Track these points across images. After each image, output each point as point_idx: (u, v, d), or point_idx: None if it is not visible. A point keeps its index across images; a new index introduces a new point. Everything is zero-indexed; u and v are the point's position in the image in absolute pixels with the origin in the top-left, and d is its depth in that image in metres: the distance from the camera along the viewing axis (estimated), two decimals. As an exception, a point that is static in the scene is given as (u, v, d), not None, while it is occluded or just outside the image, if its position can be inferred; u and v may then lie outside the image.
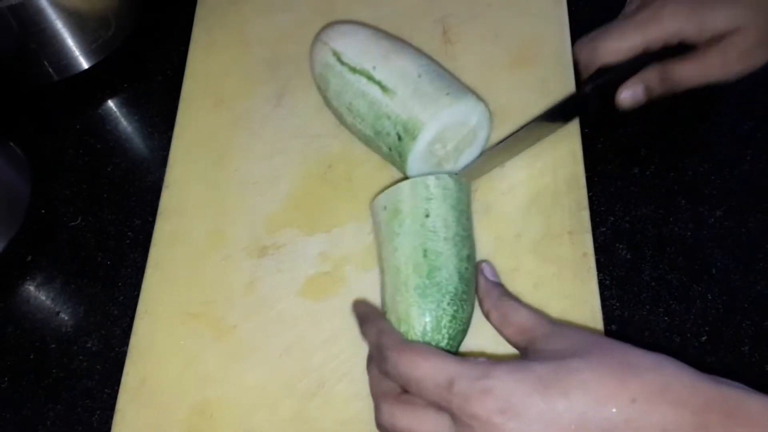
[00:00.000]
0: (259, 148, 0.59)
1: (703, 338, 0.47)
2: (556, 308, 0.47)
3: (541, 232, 0.50)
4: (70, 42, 0.63)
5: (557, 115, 0.53)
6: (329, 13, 0.65)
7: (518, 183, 0.53)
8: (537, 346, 0.39)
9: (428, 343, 0.42)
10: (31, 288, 0.57)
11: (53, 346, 0.54)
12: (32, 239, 0.59)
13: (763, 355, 0.46)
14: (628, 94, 0.51)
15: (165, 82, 0.66)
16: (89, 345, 0.54)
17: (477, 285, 0.46)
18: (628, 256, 0.50)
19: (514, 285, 0.48)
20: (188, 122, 0.61)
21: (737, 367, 0.46)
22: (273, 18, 0.66)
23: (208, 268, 0.54)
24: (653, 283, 0.49)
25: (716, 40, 0.48)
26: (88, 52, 0.65)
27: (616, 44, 0.50)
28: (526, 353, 0.40)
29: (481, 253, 0.50)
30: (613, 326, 0.48)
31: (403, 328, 0.43)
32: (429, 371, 0.37)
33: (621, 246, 0.51)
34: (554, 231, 0.50)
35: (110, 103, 0.66)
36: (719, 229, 0.50)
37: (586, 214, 0.51)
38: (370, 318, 0.44)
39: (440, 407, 0.36)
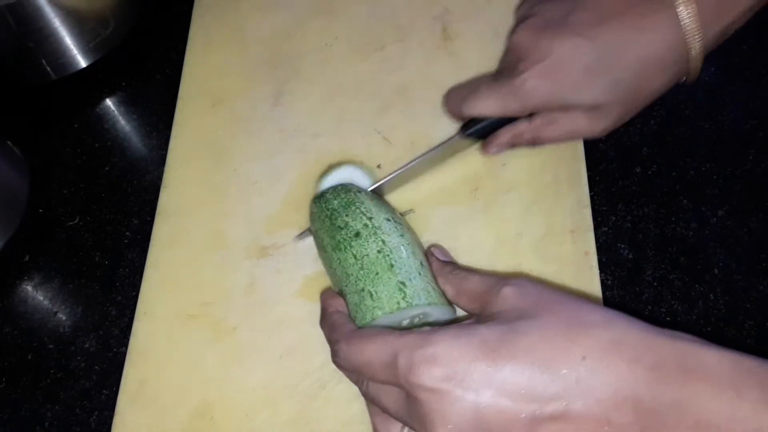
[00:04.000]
0: (258, 148, 0.58)
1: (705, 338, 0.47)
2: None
3: (543, 231, 0.50)
4: (68, 40, 0.63)
5: (446, 153, 0.53)
6: (328, 11, 0.65)
7: (519, 182, 0.52)
8: (488, 310, 0.38)
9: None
10: (29, 288, 0.57)
11: (51, 346, 0.54)
12: (30, 239, 0.59)
13: (765, 355, 0.46)
14: (495, 150, 0.52)
15: (163, 80, 0.66)
16: (87, 345, 0.53)
17: (431, 265, 0.45)
18: (630, 256, 0.50)
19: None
20: (186, 122, 0.61)
21: (740, 367, 0.46)
22: (271, 16, 0.66)
23: (208, 268, 0.53)
24: (655, 283, 0.49)
25: (584, 109, 0.48)
26: (86, 51, 0.65)
27: (476, 110, 0.50)
28: (478, 320, 0.39)
29: (482, 252, 0.50)
30: (614, 326, 0.48)
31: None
32: (374, 352, 0.36)
33: (622, 245, 0.51)
34: (556, 230, 0.50)
35: (108, 102, 0.66)
36: (721, 228, 0.50)
37: (587, 213, 0.50)
38: (325, 314, 0.44)
39: (392, 384, 0.36)
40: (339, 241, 0.45)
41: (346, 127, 0.58)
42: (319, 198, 0.49)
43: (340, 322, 0.42)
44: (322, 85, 0.61)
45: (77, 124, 0.65)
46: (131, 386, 0.50)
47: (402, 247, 0.45)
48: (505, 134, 0.51)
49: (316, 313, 0.50)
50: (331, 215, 0.47)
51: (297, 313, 0.50)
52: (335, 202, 0.48)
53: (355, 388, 0.46)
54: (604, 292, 0.48)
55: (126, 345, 0.51)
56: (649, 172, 0.53)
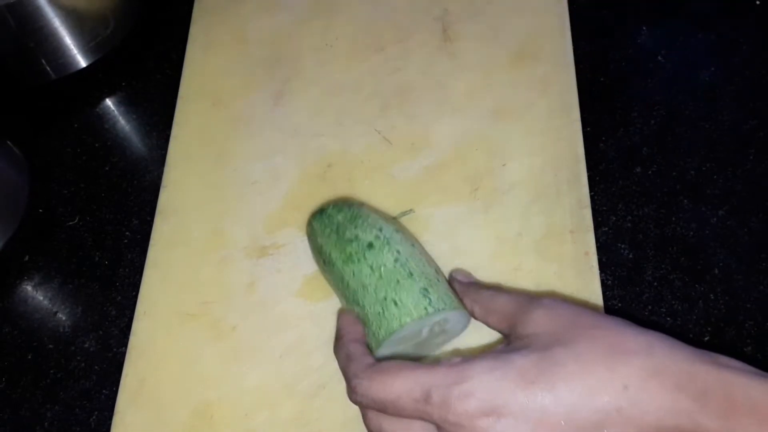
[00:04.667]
0: (258, 148, 0.58)
1: (706, 338, 0.47)
2: (557, 308, 0.47)
3: (543, 231, 0.50)
4: (68, 40, 0.63)
5: None
6: (328, 11, 0.65)
7: (519, 182, 0.52)
8: (519, 331, 0.37)
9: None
10: (29, 288, 0.57)
11: (51, 346, 0.54)
12: (30, 238, 0.59)
13: (765, 356, 0.46)
14: None
15: (163, 80, 0.66)
16: (87, 345, 0.53)
17: (456, 288, 0.45)
18: (630, 256, 0.50)
19: (515, 284, 0.48)
20: (186, 122, 0.61)
21: (740, 367, 0.45)
22: (271, 16, 0.66)
23: (208, 268, 0.53)
24: (655, 283, 0.49)
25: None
26: (86, 51, 0.65)
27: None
28: (508, 340, 0.38)
29: (483, 252, 0.50)
30: (615, 326, 0.48)
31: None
32: (402, 389, 0.35)
33: (623, 246, 0.50)
34: (556, 230, 0.50)
35: (108, 102, 0.66)
36: (722, 228, 0.50)
37: (588, 213, 0.50)
38: (341, 339, 0.43)
39: (423, 419, 0.35)
40: (350, 254, 0.44)
41: (346, 127, 0.58)
42: (321, 213, 0.49)
43: (358, 353, 0.40)
44: (322, 85, 0.61)
45: (77, 124, 0.65)
46: (131, 386, 0.50)
47: (416, 256, 0.45)
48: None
49: (316, 313, 0.50)
50: (337, 229, 0.46)
51: (297, 313, 0.50)
52: (339, 216, 0.47)
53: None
54: (604, 292, 0.48)
55: (126, 345, 0.51)
56: (650, 172, 0.53)
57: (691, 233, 0.50)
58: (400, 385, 0.35)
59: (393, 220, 0.49)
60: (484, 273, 0.49)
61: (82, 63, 0.65)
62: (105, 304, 0.55)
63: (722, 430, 0.31)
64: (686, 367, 0.32)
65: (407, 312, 0.41)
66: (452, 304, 0.42)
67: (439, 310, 0.41)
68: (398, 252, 0.44)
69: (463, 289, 0.44)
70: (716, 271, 0.49)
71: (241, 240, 0.54)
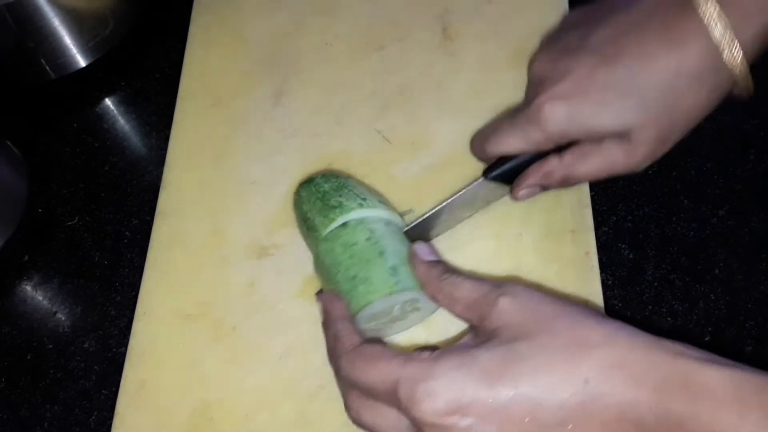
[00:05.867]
0: (258, 148, 0.58)
1: (706, 339, 0.47)
2: (558, 308, 0.47)
3: (543, 231, 0.50)
4: (68, 40, 0.63)
5: (467, 201, 0.49)
6: (328, 11, 0.65)
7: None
8: (485, 324, 0.37)
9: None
10: (28, 288, 0.57)
11: (50, 346, 0.54)
12: (29, 239, 0.59)
13: (766, 356, 0.46)
14: (525, 193, 0.48)
15: (163, 80, 0.65)
16: (86, 345, 0.53)
17: (416, 269, 0.43)
18: (631, 256, 0.50)
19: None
20: (186, 121, 0.61)
21: (740, 367, 0.45)
22: (271, 16, 0.66)
23: (207, 268, 0.53)
24: (656, 283, 0.49)
25: (615, 136, 0.43)
26: (85, 50, 0.65)
27: (500, 149, 0.47)
28: (476, 331, 0.38)
29: (483, 251, 0.50)
30: (615, 326, 0.48)
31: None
32: (377, 377, 0.36)
33: (623, 246, 0.50)
34: (556, 230, 0.50)
35: (108, 102, 0.66)
36: (722, 228, 0.50)
37: (588, 212, 0.50)
38: (329, 319, 0.43)
39: (394, 407, 0.36)
40: (330, 220, 0.46)
41: (346, 127, 0.58)
42: (309, 182, 0.50)
43: (345, 333, 0.41)
44: (322, 85, 0.60)
45: (77, 123, 0.65)
46: (131, 386, 0.50)
47: (391, 234, 0.45)
48: (534, 173, 0.46)
49: (316, 314, 0.49)
50: (323, 197, 0.47)
51: (297, 313, 0.50)
52: (326, 185, 0.48)
53: (355, 389, 0.46)
54: (604, 292, 0.48)
55: (125, 345, 0.51)
56: (650, 172, 0.53)
57: (692, 233, 0.50)
58: (375, 374, 0.36)
59: (378, 196, 0.49)
60: (485, 273, 0.49)
61: (82, 63, 0.65)
62: (105, 304, 0.55)
63: (681, 418, 0.31)
64: (645, 358, 0.33)
65: (374, 290, 0.42)
66: (420, 285, 0.43)
67: (406, 288, 0.42)
68: (371, 231, 0.45)
69: (425, 272, 0.42)
70: (716, 271, 0.49)
71: (241, 240, 0.54)
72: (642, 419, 0.32)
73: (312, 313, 0.50)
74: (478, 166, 0.53)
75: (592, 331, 0.34)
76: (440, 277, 0.41)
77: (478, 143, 0.49)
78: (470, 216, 0.51)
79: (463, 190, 0.48)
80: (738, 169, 0.52)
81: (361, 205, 0.46)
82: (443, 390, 0.34)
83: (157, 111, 0.64)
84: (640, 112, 0.42)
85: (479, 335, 0.38)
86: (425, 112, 0.57)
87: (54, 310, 0.55)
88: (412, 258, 0.44)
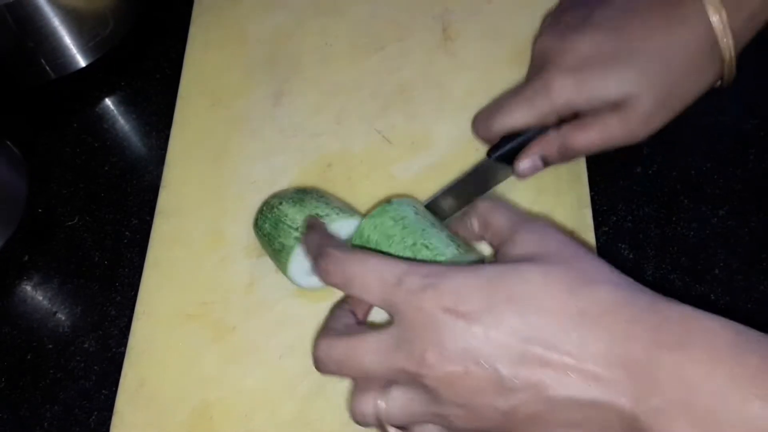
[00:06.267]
0: (258, 148, 0.58)
1: (706, 338, 0.47)
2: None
3: (543, 232, 0.50)
4: (68, 40, 0.63)
5: (471, 182, 0.50)
6: (328, 11, 0.65)
7: (519, 182, 0.52)
8: (504, 250, 0.38)
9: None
10: (28, 288, 0.57)
11: (50, 346, 0.54)
12: (29, 239, 0.59)
13: (766, 356, 0.46)
14: (527, 166, 0.48)
15: (163, 80, 0.65)
16: (86, 345, 0.53)
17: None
18: (630, 256, 0.50)
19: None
20: (186, 121, 0.61)
21: (740, 367, 0.45)
22: (271, 16, 0.66)
23: (207, 268, 0.53)
24: (656, 283, 0.49)
25: (613, 107, 0.45)
26: (85, 50, 0.65)
27: (507, 122, 0.48)
28: (496, 258, 0.40)
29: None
30: (615, 326, 0.48)
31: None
32: (376, 268, 0.36)
33: (623, 245, 0.50)
34: (556, 230, 0.50)
35: (108, 102, 0.66)
36: (722, 228, 0.50)
37: (588, 213, 0.50)
38: (313, 227, 0.44)
39: (383, 304, 0.36)
40: (284, 264, 0.47)
41: (346, 127, 0.58)
42: (255, 223, 0.50)
43: (334, 239, 0.42)
44: (322, 85, 0.61)
45: (77, 123, 0.65)
46: (130, 386, 0.50)
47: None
48: (533, 148, 0.48)
49: (316, 313, 0.50)
50: (269, 241, 0.48)
51: (297, 313, 0.50)
52: (267, 225, 0.49)
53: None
54: (604, 292, 0.48)
55: (125, 345, 0.51)
56: (650, 172, 0.53)
57: (692, 233, 0.50)
58: (375, 265, 0.37)
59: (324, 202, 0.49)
60: (485, 273, 0.49)
61: (82, 63, 0.65)
62: (104, 304, 0.55)
63: (677, 360, 0.31)
64: (648, 303, 0.33)
65: (440, 254, 0.42)
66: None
67: (468, 253, 0.43)
68: (414, 207, 0.46)
69: (474, 206, 0.43)
70: (716, 271, 0.49)
71: (241, 240, 0.54)
72: (632, 356, 0.31)
73: (312, 312, 0.50)
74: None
75: (603, 273, 0.35)
76: (481, 203, 0.42)
77: (481, 121, 0.50)
78: (477, 197, 0.51)
79: (469, 171, 0.50)
80: (738, 169, 0.52)
81: (297, 239, 0.46)
82: (446, 286, 0.34)
83: (157, 111, 0.64)
84: (640, 81, 0.44)
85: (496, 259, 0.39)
86: (425, 112, 0.57)
87: (54, 310, 0.55)
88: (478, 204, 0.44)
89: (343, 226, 0.47)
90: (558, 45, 0.47)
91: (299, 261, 0.47)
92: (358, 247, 0.45)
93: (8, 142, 0.63)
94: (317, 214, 0.47)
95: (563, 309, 0.33)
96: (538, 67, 0.48)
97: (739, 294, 0.48)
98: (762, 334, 0.32)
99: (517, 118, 0.48)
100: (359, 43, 0.62)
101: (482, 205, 0.42)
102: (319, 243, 0.41)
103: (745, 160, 0.52)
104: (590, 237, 0.49)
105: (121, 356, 0.51)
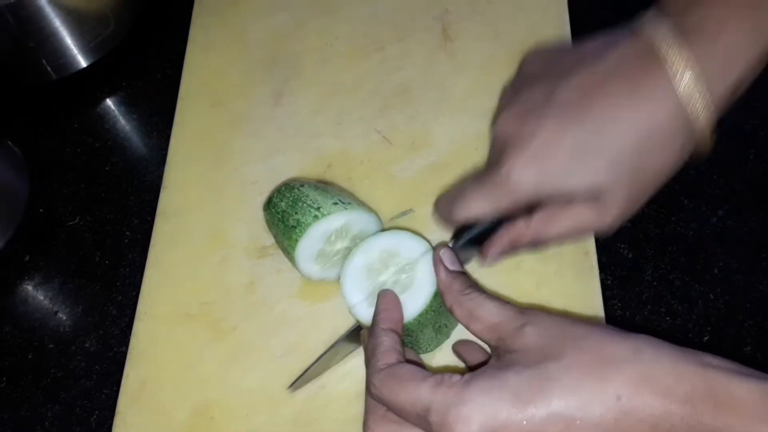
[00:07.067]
0: (258, 148, 0.58)
1: (705, 338, 0.47)
2: (557, 308, 0.47)
3: (543, 232, 0.50)
4: (69, 40, 0.63)
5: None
6: (328, 11, 0.65)
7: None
8: (507, 344, 0.37)
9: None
10: (29, 288, 0.57)
11: (51, 346, 0.54)
12: (30, 239, 0.59)
13: (765, 355, 0.46)
14: (494, 254, 0.45)
15: (164, 80, 0.66)
16: (87, 345, 0.53)
17: (437, 274, 0.43)
18: (630, 256, 0.50)
19: (515, 283, 0.48)
20: (186, 122, 0.61)
21: (740, 367, 0.45)
22: (271, 16, 0.66)
23: (208, 268, 0.53)
24: (655, 283, 0.49)
25: (584, 197, 0.41)
26: (86, 51, 0.65)
27: (467, 213, 0.44)
28: (497, 352, 0.38)
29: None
30: (614, 326, 0.48)
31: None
32: (407, 399, 0.36)
33: (623, 245, 0.50)
34: (555, 230, 0.50)
35: (109, 102, 0.66)
36: (721, 228, 0.50)
37: (587, 214, 0.50)
38: (376, 325, 0.43)
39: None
40: (294, 241, 0.46)
41: (346, 127, 0.58)
42: (268, 203, 0.50)
43: (383, 348, 0.40)
44: (322, 85, 0.61)
45: (78, 123, 0.65)
46: (132, 386, 0.50)
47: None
48: (502, 237, 0.44)
49: (316, 313, 0.50)
50: (282, 218, 0.48)
51: (297, 313, 0.50)
52: (283, 203, 0.48)
53: (355, 389, 0.46)
54: (604, 292, 0.48)
55: (126, 345, 0.51)
56: (649, 172, 0.53)
57: (691, 233, 0.50)
58: (405, 397, 0.36)
59: (335, 191, 0.49)
60: (484, 272, 0.49)
61: (83, 63, 0.65)
62: (105, 304, 0.55)
63: (713, 429, 0.31)
64: (673, 370, 0.33)
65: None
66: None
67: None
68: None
69: (447, 284, 0.42)
70: (716, 270, 0.49)
71: (241, 240, 0.54)
72: (675, 429, 0.32)
73: (312, 312, 0.50)
74: (479, 166, 0.53)
75: (618, 347, 0.34)
76: (462, 291, 0.41)
77: (444, 208, 0.47)
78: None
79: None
80: (738, 169, 0.52)
81: (316, 217, 0.46)
82: (476, 414, 0.33)
83: (157, 111, 0.64)
84: (611, 173, 0.40)
85: (500, 356, 0.37)
86: (425, 112, 0.57)
87: (55, 309, 0.56)
88: (436, 263, 0.43)
89: (363, 219, 0.47)
90: (518, 129, 0.42)
91: (311, 241, 0.46)
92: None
93: (9, 142, 0.63)
94: (340, 201, 0.47)
95: (600, 399, 0.32)
96: (499, 153, 0.43)
97: (738, 293, 0.48)
98: None
99: (476, 210, 0.44)
100: (359, 43, 0.62)
101: (468, 297, 0.40)
102: (367, 362, 0.40)
103: (745, 160, 0.53)
104: (590, 237, 0.49)
105: (122, 356, 0.51)
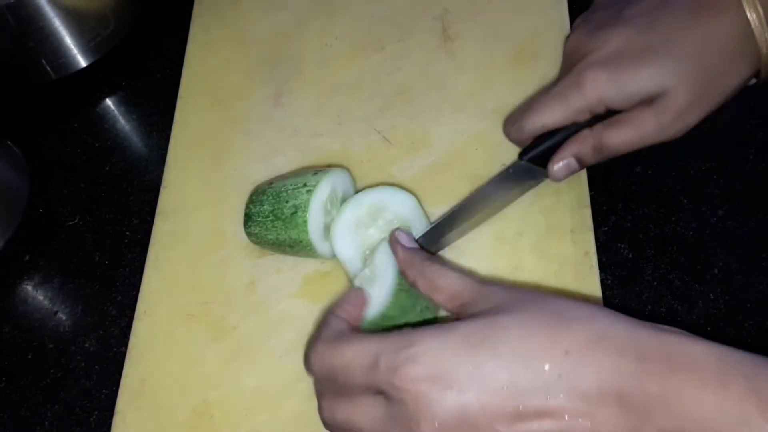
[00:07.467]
0: (258, 148, 0.58)
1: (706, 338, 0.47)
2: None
3: (543, 231, 0.50)
4: (68, 40, 0.63)
5: (504, 186, 0.50)
6: (328, 11, 0.65)
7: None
8: (468, 310, 0.38)
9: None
10: (29, 288, 0.57)
11: (51, 346, 0.54)
12: (30, 238, 0.59)
13: (765, 355, 0.46)
14: (561, 168, 0.47)
15: (164, 80, 0.66)
16: (87, 345, 0.53)
17: (395, 254, 0.44)
18: (630, 256, 0.50)
19: (515, 284, 0.48)
20: (186, 122, 0.61)
21: (740, 367, 0.45)
22: (271, 16, 0.66)
23: (208, 268, 0.53)
24: (655, 283, 0.49)
25: (646, 102, 0.44)
26: (86, 50, 0.65)
27: (540, 120, 0.47)
28: (458, 318, 0.38)
29: (482, 251, 0.50)
30: (614, 326, 0.48)
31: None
32: (353, 355, 0.36)
33: (622, 245, 0.50)
34: (555, 229, 0.50)
35: (108, 102, 0.66)
36: (721, 228, 0.50)
37: (587, 212, 0.50)
38: (325, 314, 0.44)
39: (372, 390, 0.36)
40: (303, 227, 0.48)
41: (346, 127, 0.58)
42: (249, 218, 0.50)
43: (331, 326, 0.41)
44: (322, 85, 0.61)
45: (77, 123, 0.65)
46: (131, 386, 0.50)
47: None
48: (568, 147, 0.47)
49: (316, 313, 0.50)
50: (276, 216, 0.49)
51: (297, 313, 0.50)
52: (266, 206, 0.49)
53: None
54: (604, 292, 0.48)
55: (126, 344, 0.51)
56: (649, 172, 0.53)
57: (691, 233, 0.50)
58: (352, 352, 0.37)
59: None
60: (484, 273, 0.49)
61: (83, 63, 0.65)
62: (105, 303, 0.55)
63: (665, 389, 0.31)
64: (627, 333, 0.33)
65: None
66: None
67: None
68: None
69: (407, 258, 0.43)
70: (716, 270, 0.49)
71: (241, 240, 0.54)
72: (623, 390, 0.32)
73: (312, 312, 0.50)
74: (479, 166, 0.53)
75: (574, 308, 0.35)
76: (422, 263, 0.42)
77: (513, 122, 0.50)
78: (508, 203, 0.51)
79: (499, 174, 0.49)
80: (738, 169, 0.52)
81: (309, 191, 0.47)
82: (423, 356, 0.34)
83: (157, 111, 0.64)
84: (675, 74, 0.43)
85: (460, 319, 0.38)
86: (425, 112, 0.57)
87: (55, 309, 0.56)
88: (393, 244, 0.45)
89: (343, 179, 0.50)
90: (589, 41, 0.46)
91: (317, 216, 0.47)
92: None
93: (9, 142, 0.63)
94: (314, 172, 0.49)
95: (548, 352, 0.33)
96: (570, 65, 0.47)
97: (738, 294, 0.48)
98: (745, 353, 0.32)
99: (549, 116, 0.46)
100: (359, 43, 0.62)
101: (429, 268, 0.41)
102: (317, 332, 0.41)
103: (745, 160, 0.53)
104: (590, 237, 0.49)
105: (121, 356, 0.51)
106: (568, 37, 0.50)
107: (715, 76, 0.44)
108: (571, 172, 0.48)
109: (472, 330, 0.34)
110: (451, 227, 0.49)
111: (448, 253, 0.50)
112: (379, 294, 0.44)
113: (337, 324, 0.41)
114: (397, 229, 0.47)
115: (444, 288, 0.40)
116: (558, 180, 0.48)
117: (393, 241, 0.45)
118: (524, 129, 0.48)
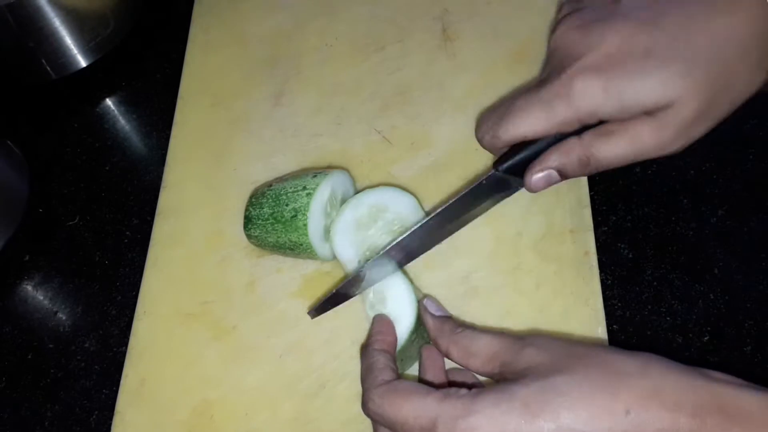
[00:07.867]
0: (258, 148, 0.58)
1: (705, 338, 0.47)
2: (557, 307, 0.47)
3: (543, 231, 0.50)
4: (68, 40, 0.63)
5: (477, 197, 0.45)
6: (328, 11, 0.65)
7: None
8: (512, 368, 0.36)
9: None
10: (29, 287, 0.57)
11: (51, 346, 0.54)
12: (30, 238, 0.59)
13: (765, 355, 0.46)
14: (539, 179, 0.41)
15: (163, 80, 0.66)
16: (87, 345, 0.53)
17: (426, 323, 0.43)
18: (630, 256, 0.50)
19: (515, 284, 0.48)
20: (186, 122, 0.61)
21: (740, 367, 0.45)
22: (271, 16, 0.66)
23: (208, 268, 0.53)
24: (655, 283, 0.49)
25: (647, 113, 0.38)
26: (86, 51, 0.65)
27: (518, 130, 0.41)
28: (503, 379, 0.36)
29: (482, 251, 0.50)
30: (614, 326, 0.48)
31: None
32: (411, 413, 0.35)
33: (622, 245, 0.50)
34: (556, 229, 0.50)
35: (108, 102, 0.66)
36: (721, 228, 0.50)
37: (587, 212, 0.50)
38: (369, 345, 0.42)
39: None
40: (302, 229, 0.47)
41: (346, 127, 0.58)
42: (249, 222, 0.50)
43: (379, 366, 0.40)
44: (322, 85, 0.61)
45: (77, 123, 0.65)
46: (131, 385, 0.50)
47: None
48: (550, 155, 0.40)
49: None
50: (276, 219, 0.48)
51: (297, 313, 0.50)
52: (266, 208, 0.49)
53: (355, 388, 0.46)
54: (604, 292, 0.48)
55: (126, 344, 0.51)
56: (649, 172, 0.53)
57: (691, 233, 0.50)
58: (409, 410, 0.35)
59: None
60: (484, 273, 0.49)
61: (82, 63, 0.65)
62: (105, 303, 0.55)
63: None
64: (680, 384, 0.33)
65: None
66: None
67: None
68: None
69: (437, 328, 0.41)
70: (716, 270, 0.49)
71: (241, 240, 0.54)
72: None
73: (312, 312, 0.50)
74: (479, 166, 0.53)
75: (625, 362, 0.34)
76: (454, 331, 0.40)
77: (488, 128, 0.43)
78: (479, 215, 0.49)
79: (471, 185, 0.43)
80: (738, 169, 0.52)
81: (309, 195, 0.47)
82: (485, 425, 0.33)
83: (157, 111, 0.64)
84: (683, 83, 0.36)
85: (509, 380, 0.36)
86: (425, 112, 0.57)
87: (55, 309, 0.56)
88: (422, 312, 0.43)
89: (342, 180, 0.50)
90: (581, 39, 0.39)
91: (316, 219, 0.48)
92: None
93: (9, 142, 0.63)
94: (314, 174, 0.49)
95: (609, 412, 0.32)
96: (557, 65, 0.40)
97: (738, 293, 0.48)
98: None
99: (530, 126, 0.40)
100: (359, 44, 0.62)
101: (461, 335, 0.39)
102: (363, 379, 0.40)
103: (745, 160, 0.53)
104: (589, 237, 0.49)
105: (121, 356, 0.51)
106: (552, 28, 0.42)
107: (728, 82, 0.37)
108: (550, 185, 0.42)
109: (530, 394, 0.33)
110: (420, 240, 0.46)
111: (448, 252, 0.50)
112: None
113: (382, 361, 0.40)
114: (426, 296, 0.45)
115: (480, 352, 0.38)
116: (534, 191, 0.43)
117: (422, 309, 0.43)
118: (500, 138, 0.42)
